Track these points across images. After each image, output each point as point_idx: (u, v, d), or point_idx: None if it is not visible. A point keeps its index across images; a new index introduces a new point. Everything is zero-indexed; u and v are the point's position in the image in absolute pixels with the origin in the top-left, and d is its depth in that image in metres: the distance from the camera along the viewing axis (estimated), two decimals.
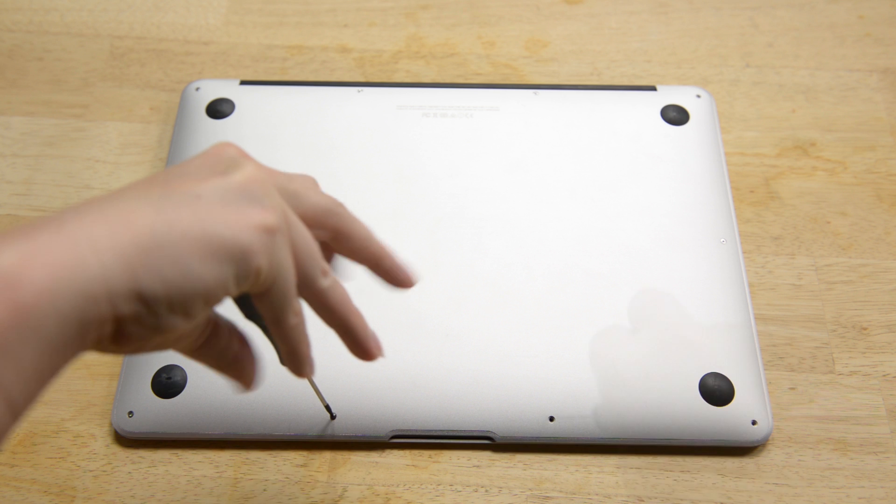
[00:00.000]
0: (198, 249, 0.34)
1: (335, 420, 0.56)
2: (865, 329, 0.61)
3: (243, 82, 0.70)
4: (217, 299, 0.36)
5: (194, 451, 0.56)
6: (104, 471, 0.55)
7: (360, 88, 0.69)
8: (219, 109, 0.67)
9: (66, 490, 0.55)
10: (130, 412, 0.56)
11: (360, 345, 0.43)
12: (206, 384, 0.56)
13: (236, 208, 0.36)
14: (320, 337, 0.57)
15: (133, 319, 0.34)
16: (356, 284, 0.59)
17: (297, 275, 0.39)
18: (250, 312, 0.42)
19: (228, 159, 0.39)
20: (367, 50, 0.75)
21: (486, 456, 0.56)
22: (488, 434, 0.56)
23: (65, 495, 0.55)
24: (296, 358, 0.42)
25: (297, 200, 0.40)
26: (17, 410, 0.32)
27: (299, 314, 0.40)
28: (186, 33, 0.75)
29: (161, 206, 0.35)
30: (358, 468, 0.56)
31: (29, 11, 0.76)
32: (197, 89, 0.69)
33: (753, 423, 0.56)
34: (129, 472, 0.55)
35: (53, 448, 0.56)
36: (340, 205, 0.42)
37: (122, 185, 0.39)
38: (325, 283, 0.40)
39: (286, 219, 0.38)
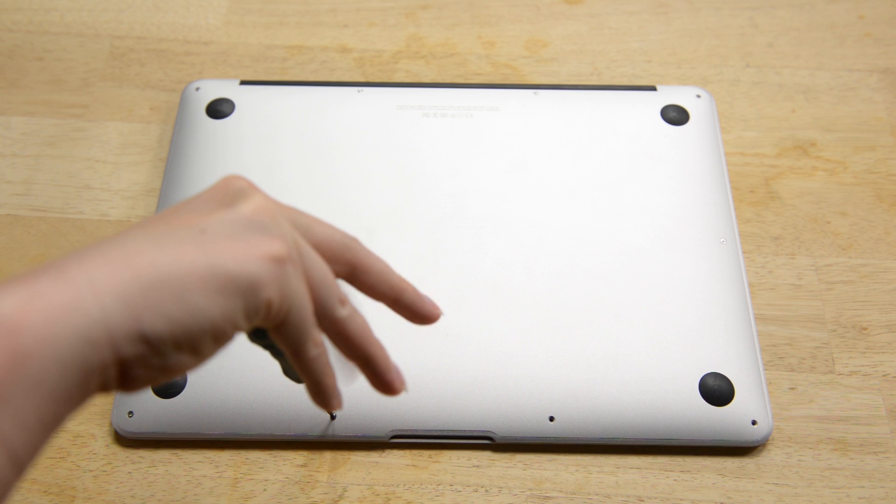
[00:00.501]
0: (203, 285, 0.33)
1: (335, 420, 0.56)
2: (865, 329, 0.61)
3: (243, 82, 0.70)
4: (226, 335, 0.35)
5: (194, 451, 0.56)
6: (104, 471, 0.55)
7: (360, 88, 0.69)
8: (219, 109, 0.67)
9: (66, 490, 0.55)
10: (130, 412, 0.56)
11: (382, 377, 0.42)
12: (206, 384, 0.56)
13: (243, 240, 0.35)
14: (321, 334, 0.57)
15: (138, 361, 0.33)
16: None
17: (314, 304, 0.38)
18: (266, 343, 0.42)
19: (235, 191, 0.38)
20: (367, 50, 0.75)
21: (486, 456, 0.56)
22: (488, 434, 0.56)
23: (65, 495, 0.55)
24: (321, 391, 0.41)
25: (310, 232, 0.39)
26: (20, 464, 0.31)
27: (320, 345, 0.39)
28: (186, 33, 0.75)
29: (164, 242, 0.34)
30: (358, 468, 0.56)
31: (29, 11, 0.76)
32: (197, 89, 0.69)
33: (753, 423, 0.56)
34: (129, 472, 0.55)
35: (53, 448, 0.56)
36: (355, 239, 0.41)
37: (124, 228, 0.38)
38: (343, 312, 0.39)
39: (297, 248, 0.37)
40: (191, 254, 0.34)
